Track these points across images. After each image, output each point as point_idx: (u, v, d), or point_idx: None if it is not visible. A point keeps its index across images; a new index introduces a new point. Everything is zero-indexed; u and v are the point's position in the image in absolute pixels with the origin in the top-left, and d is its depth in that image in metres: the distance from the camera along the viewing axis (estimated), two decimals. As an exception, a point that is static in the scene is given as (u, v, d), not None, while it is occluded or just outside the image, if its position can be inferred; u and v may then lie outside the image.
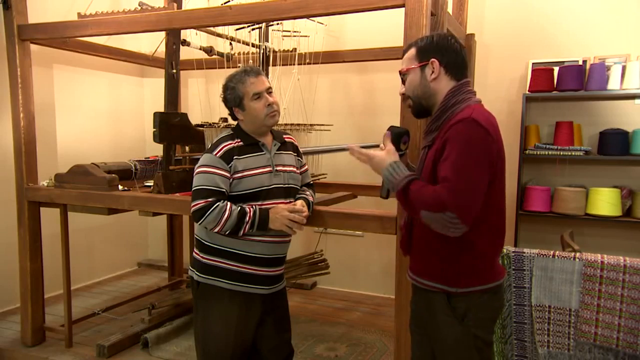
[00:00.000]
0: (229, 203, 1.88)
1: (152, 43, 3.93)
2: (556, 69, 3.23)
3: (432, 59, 1.54)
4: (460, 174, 1.37)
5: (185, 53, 3.20)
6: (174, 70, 3.00)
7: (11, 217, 3.10)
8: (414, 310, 1.71)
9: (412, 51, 1.61)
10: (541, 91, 3.22)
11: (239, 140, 1.97)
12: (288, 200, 2.01)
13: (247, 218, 1.88)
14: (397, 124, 1.91)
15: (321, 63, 3.62)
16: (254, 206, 1.91)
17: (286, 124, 3.17)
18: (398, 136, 1.65)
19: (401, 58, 1.66)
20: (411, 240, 1.65)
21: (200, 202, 1.87)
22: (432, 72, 1.54)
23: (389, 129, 1.65)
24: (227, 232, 1.90)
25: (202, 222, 1.89)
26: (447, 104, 1.53)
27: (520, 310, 2.01)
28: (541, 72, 3.23)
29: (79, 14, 3.05)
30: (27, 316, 3.03)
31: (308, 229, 3.91)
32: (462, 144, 1.40)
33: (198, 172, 1.93)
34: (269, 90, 1.97)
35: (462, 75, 1.58)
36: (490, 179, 1.46)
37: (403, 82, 1.64)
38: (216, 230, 1.89)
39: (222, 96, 2.01)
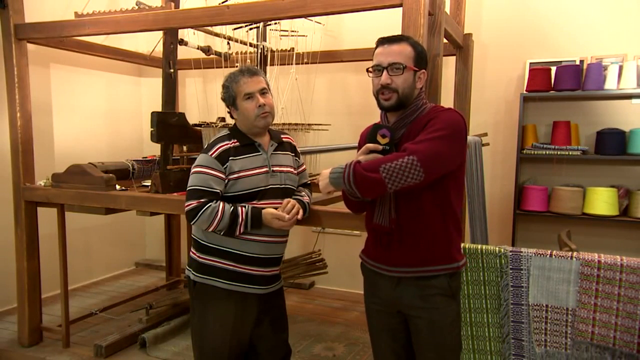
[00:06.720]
0: (222, 203, 1.88)
1: (150, 42, 3.92)
2: (553, 69, 3.24)
3: (424, 71, 1.66)
4: (432, 134, 1.53)
5: (182, 52, 3.19)
6: (172, 70, 3.00)
7: (8, 216, 3.09)
8: (393, 302, 1.69)
9: (410, 50, 1.63)
10: (538, 91, 3.22)
11: (236, 140, 1.96)
12: (285, 201, 2.01)
13: (240, 220, 1.88)
14: None
15: (319, 63, 3.63)
16: (246, 206, 1.91)
17: (284, 124, 3.17)
18: (374, 130, 1.60)
19: (382, 44, 1.65)
20: (401, 235, 1.64)
21: (193, 203, 1.88)
22: (420, 81, 1.66)
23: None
24: (222, 233, 1.91)
25: (195, 222, 1.90)
26: (418, 105, 1.66)
27: (518, 310, 2.01)
28: (538, 72, 3.23)
29: (76, 13, 3.04)
30: (24, 316, 3.03)
31: (306, 228, 3.92)
32: (443, 121, 1.56)
33: (193, 172, 1.94)
34: (263, 91, 1.95)
35: None
36: (459, 163, 1.62)
37: (388, 70, 1.60)
38: (210, 230, 1.90)
39: (221, 94, 2.01)
